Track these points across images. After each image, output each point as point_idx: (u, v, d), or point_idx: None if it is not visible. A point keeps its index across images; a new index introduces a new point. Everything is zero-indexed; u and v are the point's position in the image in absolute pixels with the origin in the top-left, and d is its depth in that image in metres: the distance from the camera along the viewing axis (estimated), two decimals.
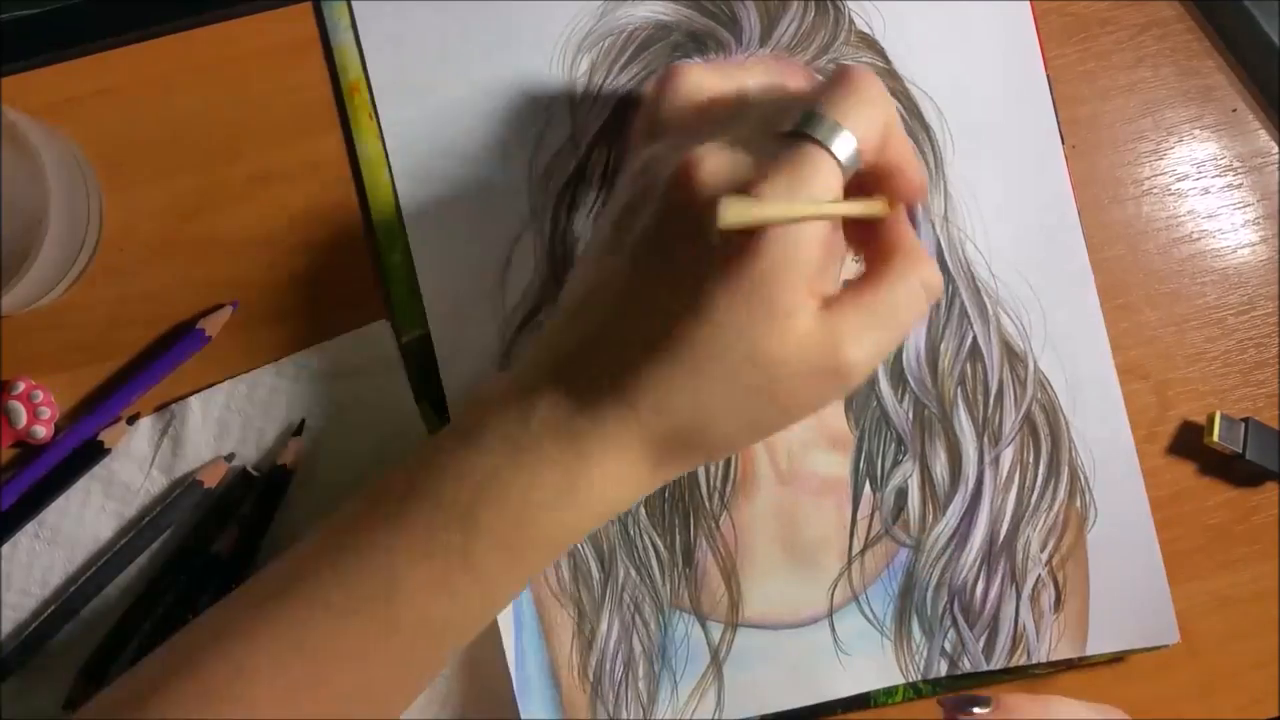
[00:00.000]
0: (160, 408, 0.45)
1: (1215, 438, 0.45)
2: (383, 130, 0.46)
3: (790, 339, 0.33)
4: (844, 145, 0.34)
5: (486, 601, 0.37)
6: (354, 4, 0.46)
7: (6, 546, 0.44)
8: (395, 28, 0.46)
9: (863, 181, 0.36)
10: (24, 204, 0.40)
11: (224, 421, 0.45)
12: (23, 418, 0.44)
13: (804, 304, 0.33)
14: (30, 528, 0.45)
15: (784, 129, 0.34)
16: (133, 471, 0.45)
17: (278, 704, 0.34)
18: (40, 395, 0.45)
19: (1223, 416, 0.45)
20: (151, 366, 0.45)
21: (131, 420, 0.45)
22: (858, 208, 0.35)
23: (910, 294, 0.35)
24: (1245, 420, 0.46)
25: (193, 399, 0.45)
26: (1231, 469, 0.47)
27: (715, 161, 0.34)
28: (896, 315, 0.35)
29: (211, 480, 0.45)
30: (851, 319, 0.34)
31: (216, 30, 0.46)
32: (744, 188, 0.32)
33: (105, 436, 0.44)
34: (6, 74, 0.45)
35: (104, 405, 0.45)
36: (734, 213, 0.30)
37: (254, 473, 0.45)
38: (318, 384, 0.45)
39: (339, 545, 0.36)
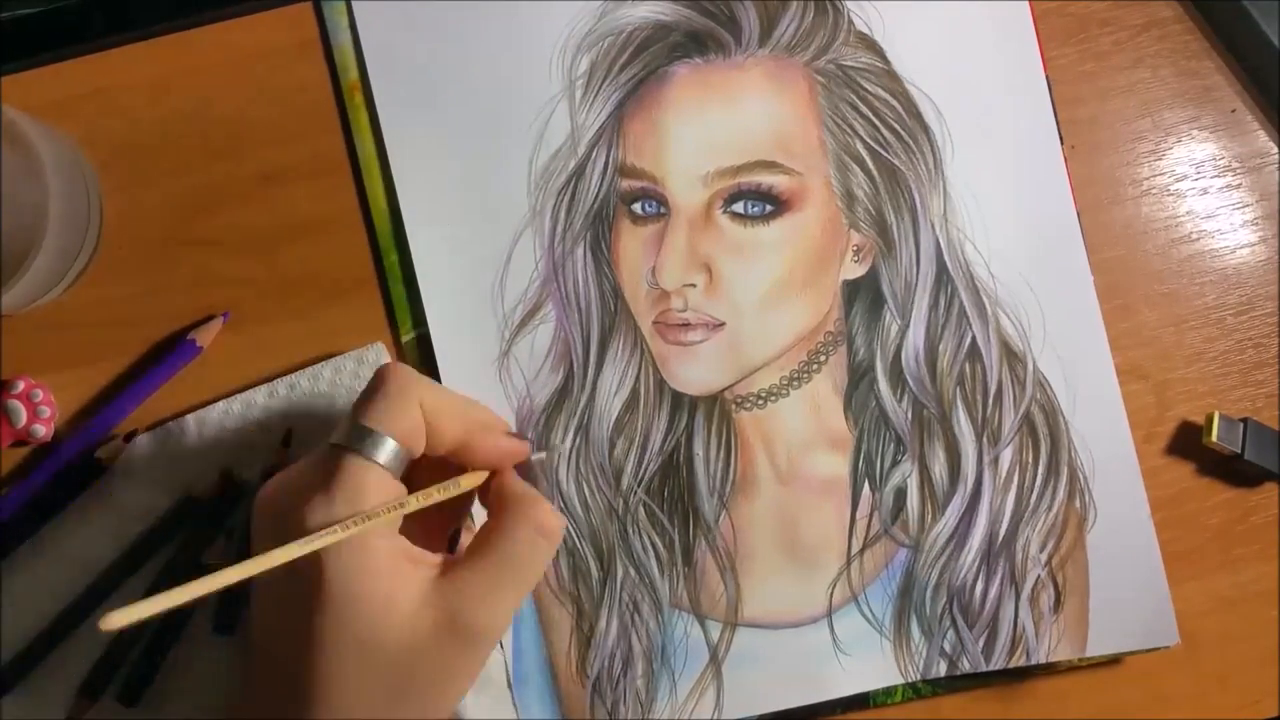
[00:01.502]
0: (156, 426, 0.45)
1: (1214, 438, 0.45)
2: (382, 130, 0.46)
3: (396, 624, 0.34)
4: (384, 450, 0.35)
5: None
6: (353, 4, 0.46)
7: (5, 564, 0.44)
8: (394, 28, 0.46)
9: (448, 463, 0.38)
10: (24, 203, 0.40)
11: (219, 439, 0.45)
12: (22, 417, 0.44)
13: (400, 592, 0.35)
14: (29, 545, 0.44)
15: (331, 440, 0.36)
16: (130, 489, 0.45)
17: None
18: (40, 394, 0.45)
19: (1221, 417, 0.45)
20: (144, 379, 0.45)
21: (129, 438, 0.45)
22: (424, 502, 0.36)
23: (528, 544, 0.36)
24: (1244, 420, 0.46)
25: (189, 417, 0.45)
26: (1230, 469, 0.47)
27: (273, 485, 0.37)
28: (518, 569, 0.36)
29: (202, 491, 0.45)
30: (469, 585, 0.35)
31: (216, 30, 0.46)
32: (296, 509, 0.35)
33: (103, 454, 0.44)
34: (6, 73, 0.45)
35: (98, 418, 0.45)
36: (115, 618, 0.31)
37: (241, 480, 0.45)
38: (313, 404, 0.46)
39: None
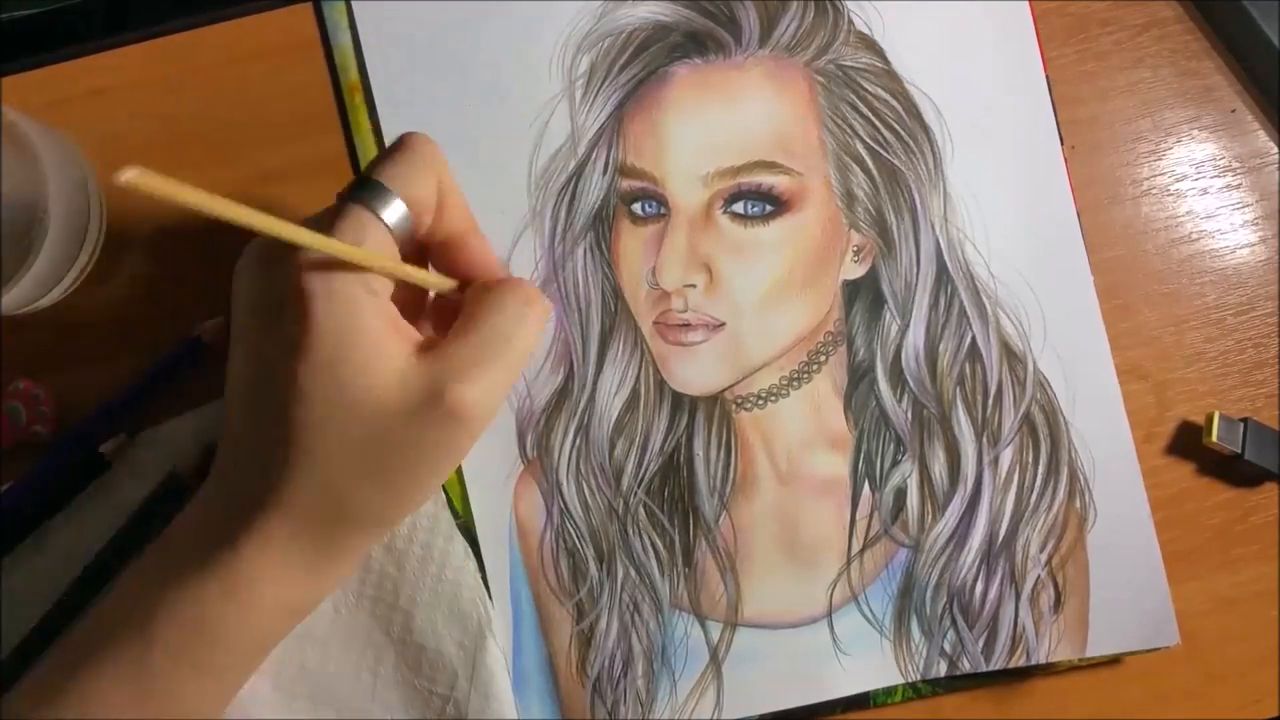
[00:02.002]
0: (161, 422, 0.45)
1: (1214, 438, 0.45)
2: (382, 130, 0.46)
3: (381, 383, 0.33)
4: (393, 209, 0.34)
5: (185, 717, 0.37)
6: (353, 4, 0.46)
7: (7, 560, 0.44)
8: (394, 28, 0.46)
9: (434, 253, 0.37)
10: (24, 204, 0.40)
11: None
12: (23, 418, 0.44)
13: (387, 351, 0.34)
14: (31, 541, 0.44)
15: (340, 194, 0.35)
16: (134, 486, 0.45)
17: None
18: (41, 395, 0.45)
19: (1221, 417, 0.45)
20: (151, 375, 0.45)
21: (132, 434, 0.45)
22: (416, 276, 0.36)
23: (514, 315, 0.35)
24: (1244, 420, 0.46)
25: (192, 414, 0.45)
26: (1230, 469, 0.47)
27: (262, 240, 0.36)
28: (505, 341, 0.35)
29: (185, 467, 0.45)
30: (454, 356, 0.34)
31: (216, 31, 0.46)
32: (293, 251, 0.33)
33: (106, 450, 0.44)
34: (7, 74, 0.45)
35: (103, 415, 0.44)
36: (134, 177, 0.29)
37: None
38: None
39: (49, 679, 0.36)
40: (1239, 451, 0.45)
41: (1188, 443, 0.47)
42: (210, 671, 0.36)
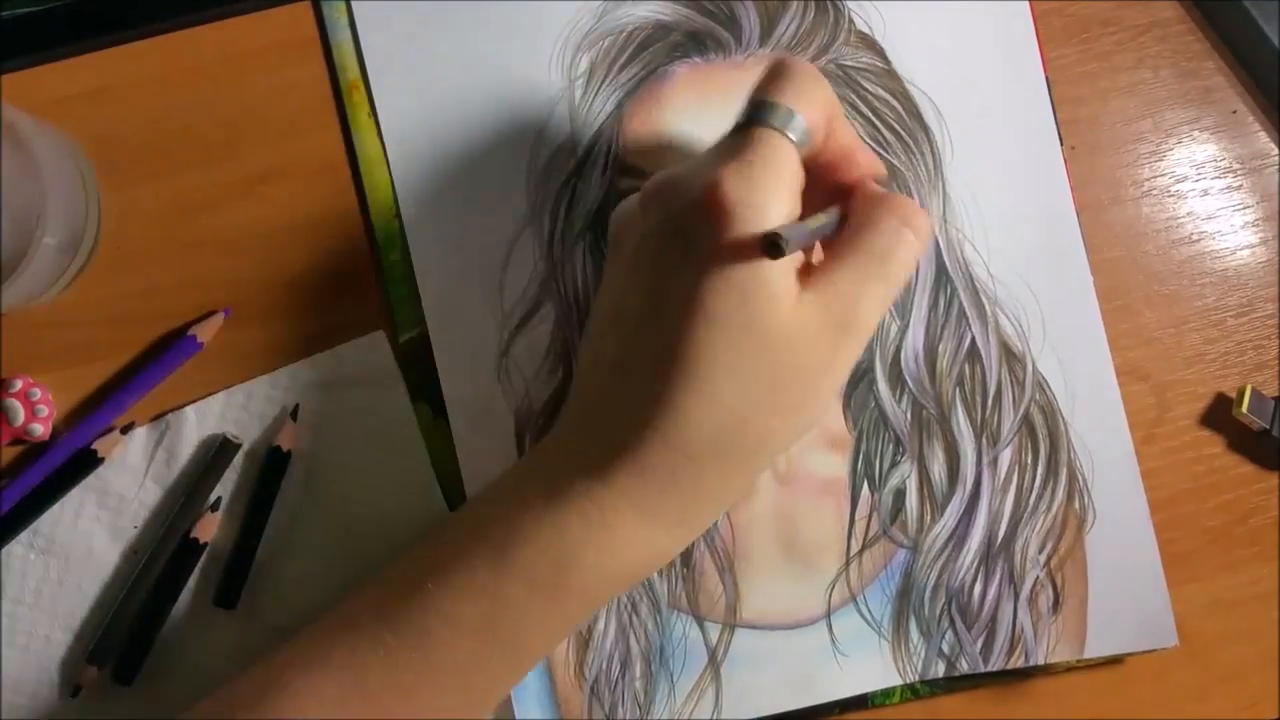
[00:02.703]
0: (156, 418, 0.45)
1: (1244, 409, 0.45)
2: (381, 129, 0.46)
3: (787, 307, 0.34)
4: (795, 125, 0.35)
5: (522, 650, 0.37)
6: (353, 3, 0.46)
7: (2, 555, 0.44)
8: (394, 27, 0.46)
9: (816, 175, 0.37)
10: (21, 201, 0.40)
11: (219, 432, 0.45)
12: (20, 415, 0.44)
13: (788, 275, 0.34)
14: (24, 536, 0.45)
15: (737, 122, 0.35)
16: (127, 482, 0.45)
17: None
18: (38, 393, 0.45)
19: (1254, 390, 0.45)
20: (144, 373, 0.45)
21: (126, 430, 0.45)
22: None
23: (894, 235, 0.35)
24: (1277, 398, 0.45)
25: (188, 409, 0.45)
26: (1246, 450, 0.47)
27: (662, 176, 0.36)
28: (885, 261, 0.35)
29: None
30: (839, 277, 0.35)
31: (215, 29, 0.46)
32: (703, 178, 0.34)
33: (100, 446, 0.44)
34: (5, 72, 0.45)
35: (97, 413, 0.44)
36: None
37: (234, 440, 0.45)
38: (313, 394, 0.45)
39: (392, 590, 0.37)
40: (1268, 426, 0.45)
41: (1188, 444, 0.47)
42: (559, 603, 0.36)
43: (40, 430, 0.45)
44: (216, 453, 0.45)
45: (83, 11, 0.46)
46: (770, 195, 0.33)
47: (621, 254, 0.37)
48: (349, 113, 0.46)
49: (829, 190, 0.38)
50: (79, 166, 0.44)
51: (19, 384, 0.45)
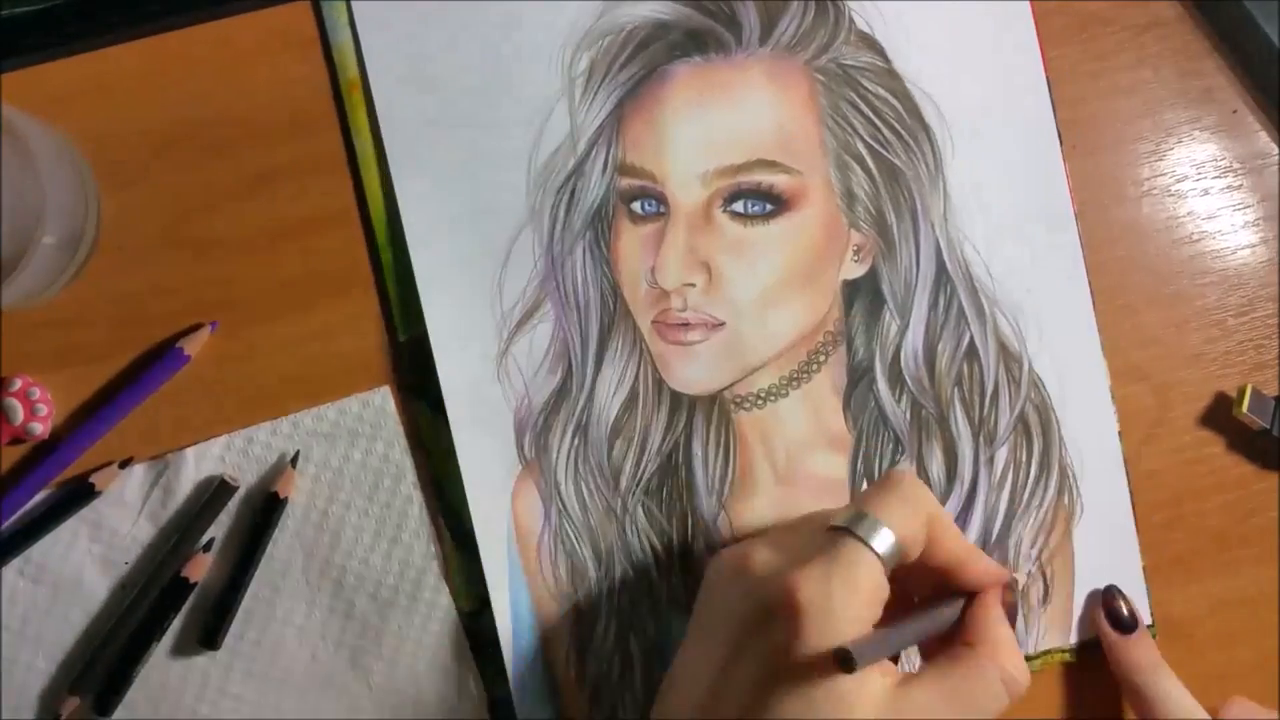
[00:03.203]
0: (155, 457, 0.45)
1: (1244, 409, 0.45)
2: (380, 129, 0.46)
3: (857, 710, 0.34)
4: (882, 539, 0.36)
5: None
6: (352, 2, 0.46)
7: None
8: (394, 26, 0.46)
9: (932, 581, 0.39)
10: (19, 201, 0.40)
11: (218, 474, 0.45)
12: (20, 415, 0.44)
13: (861, 692, 0.34)
14: (16, 564, 0.45)
15: (832, 524, 0.37)
16: (121, 516, 0.45)
17: None
18: (37, 393, 0.45)
19: (1254, 389, 0.45)
20: (131, 389, 0.45)
21: (124, 464, 0.45)
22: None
23: (989, 687, 0.36)
24: (1277, 398, 0.45)
25: (188, 451, 0.45)
26: (1245, 449, 0.47)
27: (741, 547, 0.39)
28: (971, 706, 0.36)
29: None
30: (922, 699, 0.35)
31: (214, 28, 0.46)
32: (780, 574, 0.36)
33: (97, 480, 0.44)
34: (5, 72, 0.45)
35: (86, 429, 0.44)
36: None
37: (232, 482, 0.45)
38: (314, 443, 0.45)
39: None
40: (1268, 426, 0.45)
41: (1187, 444, 0.47)
42: None
43: (40, 429, 0.45)
44: (213, 494, 0.45)
45: (82, 11, 0.46)
46: (843, 605, 0.35)
47: (703, 612, 0.39)
48: (348, 112, 0.46)
49: (951, 587, 0.39)
50: (78, 166, 0.44)
51: (18, 383, 0.45)
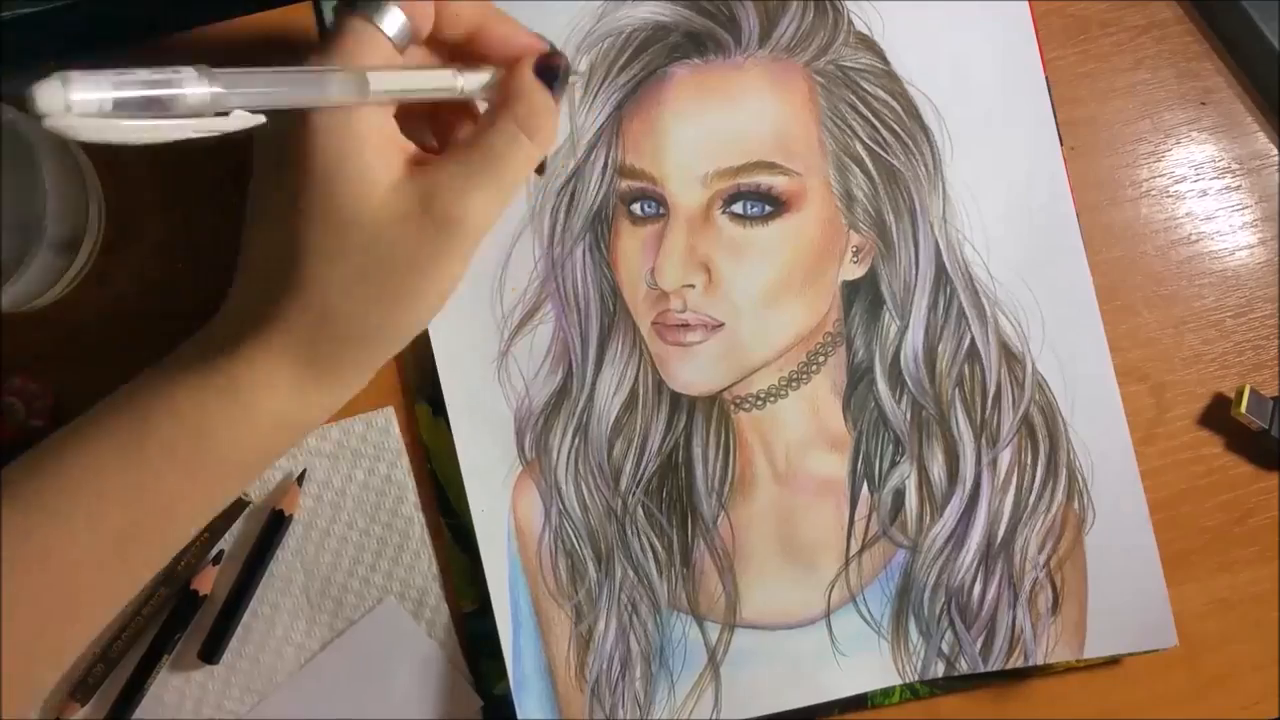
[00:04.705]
0: None
1: (1243, 410, 0.45)
2: None
3: (376, 197, 0.35)
4: (389, 17, 0.35)
5: (176, 523, 0.38)
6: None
7: None
8: None
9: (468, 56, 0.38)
10: (22, 203, 0.40)
11: None
12: (21, 413, 0.44)
13: (379, 165, 0.35)
14: None
15: (335, 7, 0.37)
16: None
17: None
18: (38, 391, 0.45)
19: (1252, 390, 0.45)
20: None
21: None
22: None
23: (507, 138, 0.36)
24: (1275, 398, 0.45)
25: None
26: (1243, 450, 0.47)
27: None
28: (494, 161, 0.36)
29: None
30: (446, 171, 0.35)
31: (215, 30, 0.46)
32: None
33: None
34: (6, 73, 0.45)
35: None
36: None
37: (244, 497, 0.45)
38: (319, 462, 0.46)
39: (47, 452, 0.38)
40: (1266, 427, 0.45)
41: (1187, 444, 0.47)
42: (201, 475, 0.37)
43: (41, 427, 0.44)
44: (226, 509, 0.45)
45: (84, 12, 0.46)
46: (345, 109, 0.34)
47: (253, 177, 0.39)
48: None
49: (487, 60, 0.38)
50: (79, 168, 0.44)
51: (18, 382, 0.45)
